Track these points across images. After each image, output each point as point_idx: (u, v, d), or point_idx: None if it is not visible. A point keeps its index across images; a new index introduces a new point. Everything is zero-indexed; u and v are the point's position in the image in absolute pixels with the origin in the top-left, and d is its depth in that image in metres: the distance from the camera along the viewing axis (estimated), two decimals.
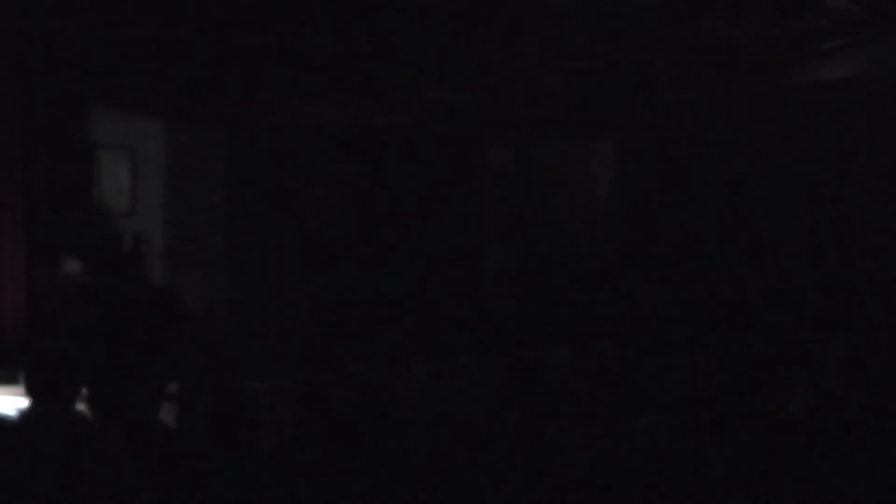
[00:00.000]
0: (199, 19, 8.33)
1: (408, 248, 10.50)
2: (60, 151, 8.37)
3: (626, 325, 7.93)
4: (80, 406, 3.82)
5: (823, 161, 8.18)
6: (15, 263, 7.41)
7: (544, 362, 4.16)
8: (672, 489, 3.05)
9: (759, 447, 3.34)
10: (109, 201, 9.67)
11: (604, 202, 10.26)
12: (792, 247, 8.24)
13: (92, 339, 7.20)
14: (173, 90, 9.63)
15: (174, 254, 9.78)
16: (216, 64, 9.07)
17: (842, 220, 7.99)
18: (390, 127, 10.83)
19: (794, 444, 3.41)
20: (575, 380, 4.00)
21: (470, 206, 11.00)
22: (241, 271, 10.01)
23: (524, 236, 11.20)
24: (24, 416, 3.81)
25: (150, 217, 10.05)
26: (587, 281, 9.50)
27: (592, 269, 9.80)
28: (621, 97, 9.50)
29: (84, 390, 3.78)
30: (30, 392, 3.86)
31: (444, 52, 9.20)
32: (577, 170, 10.87)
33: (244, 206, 10.39)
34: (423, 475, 3.24)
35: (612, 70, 9.51)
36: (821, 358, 4.52)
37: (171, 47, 8.62)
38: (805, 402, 4.00)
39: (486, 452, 3.42)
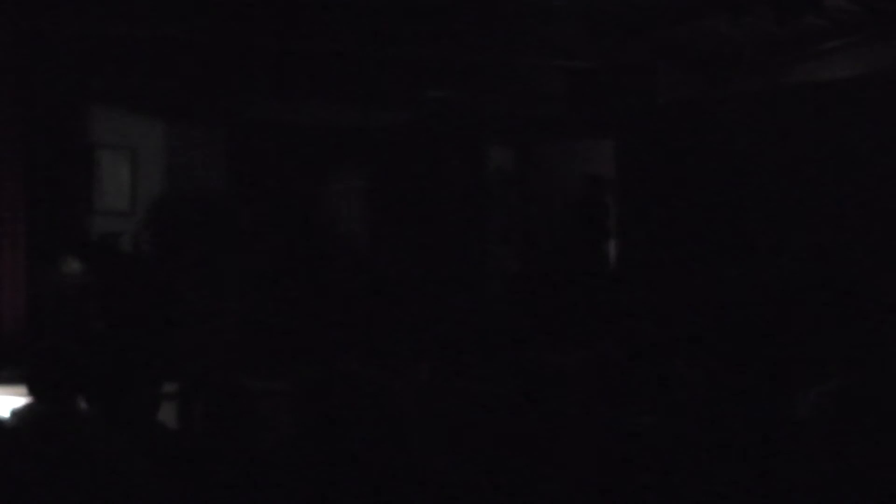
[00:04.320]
0: (199, 19, 8.34)
1: (407, 248, 10.49)
2: (60, 151, 8.36)
3: (627, 325, 7.92)
4: (81, 406, 3.82)
5: (823, 161, 8.18)
6: (15, 263, 7.42)
7: (545, 363, 4.16)
8: (673, 490, 3.06)
9: (762, 448, 3.34)
10: (109, 201, 9.66)
11: (604, 202, 10.26)
12: (792, 247, 8.24)
13: (92, 339, 7.20)
14: (173, 90, 9.63)
15: (174, 254, 9.77)
16: (216, 64, 9.07)
17: (842, 220, 7.99)
18: (390, 127, 10.83)
19: (797, 445, 3.41)
20: (576, 380, 4.00)
21: (470, 206, 11.00)
22: (240, 271, 10.01)
23: (524, 236, 11.20)
24: (25, 415, 3.81)
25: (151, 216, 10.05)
26: (587, 281, 9.50)
27: (592, 269, 9.80)
28: (621, 97, 9.51)
29: (84, 390, 3.78)
30: (31, 392, 3.86)
31: (444, 52, 9.20)
32: (577, 170, 10.86)
33: (244, 206, 10.39)
34: (424, 475, 3.24)
35: (612, 70, 9.51)
36: (823, 358, 4.52)
37: (171, 47, 8.63)
38: (809, 402, 3.99)
39: (487, 453, 3.42)
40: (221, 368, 7.82)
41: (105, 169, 9.65)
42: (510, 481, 3.31)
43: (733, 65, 9.34)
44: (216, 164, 10.61)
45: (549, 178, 11.22)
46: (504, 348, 6.03)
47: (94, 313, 7.63)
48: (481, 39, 9.09)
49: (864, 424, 3.70)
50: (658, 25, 8.92)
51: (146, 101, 9.82)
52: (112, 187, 9.74)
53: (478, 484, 3.30)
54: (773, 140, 8.57)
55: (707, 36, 8.99)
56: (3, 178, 7.44)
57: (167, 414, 3.90)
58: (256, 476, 3.22)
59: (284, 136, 10.62)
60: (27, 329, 7.38)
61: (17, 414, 3.84)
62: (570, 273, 9.70)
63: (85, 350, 3.95)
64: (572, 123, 10.33)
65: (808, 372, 4.37)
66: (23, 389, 4.02)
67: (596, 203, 9.95)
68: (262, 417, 3.54)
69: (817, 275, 7.83)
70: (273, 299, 9.50)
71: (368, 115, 10.56)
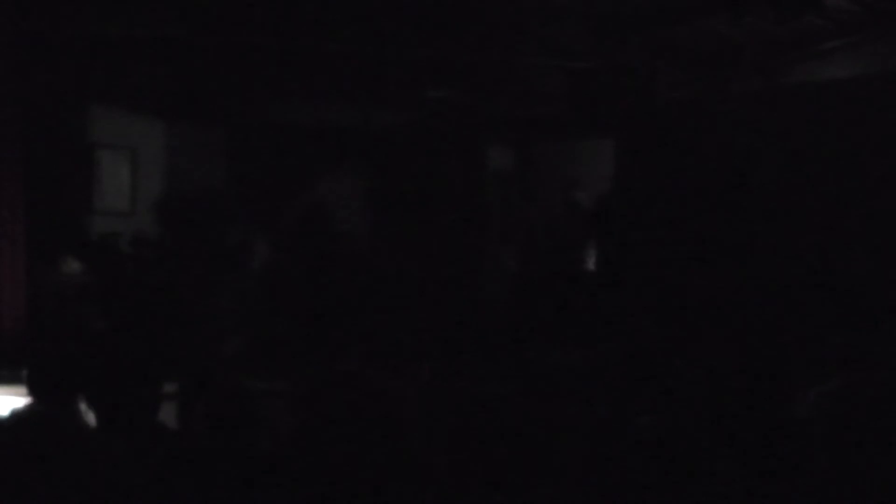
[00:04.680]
0: (199, 19, 8.34)
1: (407, 248, 10.49)
2: (60, 151, 8.37)
3: (627, 325, 7.93)
4: (81, 406, 3.83)
5: (823, 161, 8.18)
6: (15, 263, 7.41)
7: (545, 362, 4.16)
8: (673, 490, 3.05)
9: (762, 448, 3.34)
10: (109, 201, 9.66)
11: (603, 202, 10.26)
12: (792, 246, 8.24)
13: (92, 338, 7.20)
14: (173, 90, 9.63)
15: (174, 254, 9.78)
16: (216, 64, 9.07)
17: (842, 220, 7.99)
18: (390, 127, 10.83)
19: (797, 445, 3.41)
20: (576, 380, 4.00)
21: (470, 206, 11.00)
22: (240, 271, 10.01)
23: (524, 236, 11.19)
24: (24, 415, 3.81)
25: (150, 217, 10.05)
26: (587, 281, 9.50)
27: (592, 269, 9.80)
28: (621, 97, 9.51)
29: (84, 390, 3.78)
30: (31, 392, 3.87)
31: (444, 52, 9.20)
32: (577, 170, 10.86)
33: (244, 207, 10.39)
34: (424, 475, 3.24)
35: (612, 70, 9.51)
36: (823, 358, 4.52)
37: (171, 47, 8.63)
38: (809, 402, 4.00)
39: (488, 453, 3.42)
40: (222, 369, 7.82)
41: (105, 169, 9.66)
42: (510, 481, 3.31)
43: (733, 65, 9.34)
44: (216, 164, 10.62)
45: (549, 178, 11.22)
46: (504, 348, 6.04)
47: (94, 313, 7.63)
48: (481, 39, 9.09)
49: (864, 424, 3.70)
50: (658, 25, 8.91)
51: (146, 101, 9.83)
52: (112, 187, 9.74)
53: (478, 484, 3.30)
54: (772, 140, 8.57)
55: (707, 36, 8.99)
56: (2, 178, 7.43)
57: (167, 414, 3.90)
58: (256, 476, 3.22)
59: (284, 136, 10.62)
60: (27, 329, 7.37)
61: (16, 414, 3.85)
62: (570, 273, 9.71)
63: (85, 350, 3.96)
64: (572, 123, 10.33)
65: (808, 372, 4.37)
66: (23, 389, 4.02)
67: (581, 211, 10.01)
68: (262, 418, 3.55)
69: (817, 275, 7.83)
70: (273, 300, 9.51)
71: (368, 115, 10.56)
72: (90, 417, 3.68)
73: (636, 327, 7.72)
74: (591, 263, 9.90)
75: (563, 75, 9.77)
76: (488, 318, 9.24)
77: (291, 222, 10.40)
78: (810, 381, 4.22)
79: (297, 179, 10.85)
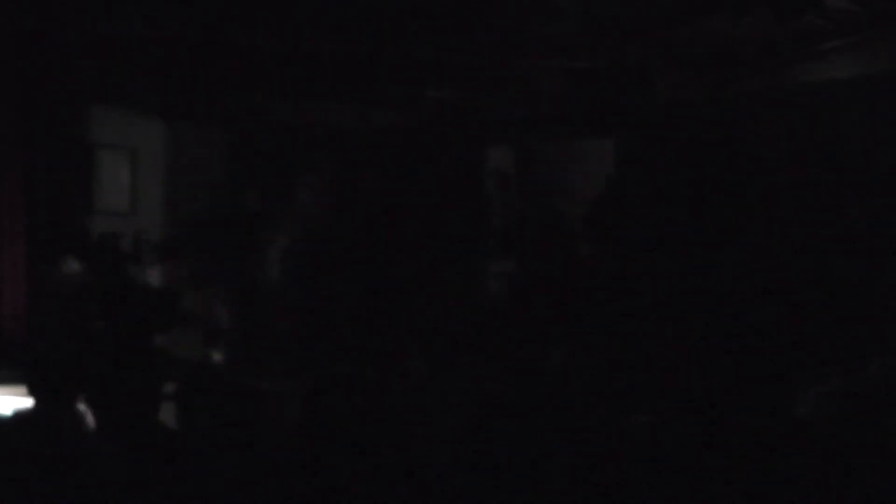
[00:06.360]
0: (199, 19, 8.34)
1: (407, 248, 10.49)
2: (60, 151, 8.36)
3: (626, 325, 7.93)
4: (80, 407, 3.83)
5: (822, 161, 8.18)
6: (15, 263, 7.42)
7: (544, 362, 4.16)
8: (670, 489, 3.06)
9: (760, 448, 3.34)
10: (109, 201, 9.65)
11: (603, 202, 10.25)
12: (792, 247, 8.25)
13: (92, 339, 7.20)
14: (173, 90, 9.63)
15: (174, 254, 9.78)
16: (216, 64, 9.07)
17: (842, 221, 7.99)
18: (390, 127, 10.83)
19: (796, 445, 3.41)
20: (574, 380, 4.00)
21: (470, 206, 11.00)
22: (240, 271, 10.01)
23: (524, 236, 11.19)
24: (24, 416, 3.82)
25: (150, 217, 10.04)
26: (587, 281, 9.49)
27: (592, 269, 9.79)
28: (621, 97, 9.51)
29: (84, 391, 3.78)
30: (31, 392, 3.87)
31: (444, 52, 9.20)
32: (577, 170, 10.85)
33: (244, 207, 10.38)
34: (423, 475, 3.24)
35: (612, 70, 9.51)
36: (823, 359, 4.52)
37: (171, 47, 8.63)
38: (809, 402, 4.00)
39: (486, 453, 3.42)
40: (223, 369, 7.82)
41: (105, 169, 9.65)
42: (509, 481, 3.31)
43: (733, 65, 9.34)
44: (216, 164, 10.61)
45: (549, 178, 11.21)
46: (503, 348, 6.04)
47: (94, 313, 7.64)
48: (481, 39, 9.09)
49: (864, 424, 3.70)
50: (658, 25, 8.91)
51: (146, 101, 9.82)
52: (112, 187, 9.74)
53: (477, 483, 3.30)
54: (772, 140, 8.57)
55: (707, 36, 8.99)
56: (3, 178, 7.44)
57: (167, 414, 3.90)
58: (257, 476, 3.22)
59: (284, 136, 10.62)
60: (27, 329, 7.38)
61: (16, 414, 3.85)
62: (569, 273, 9.70)
63: (85, 350, 3.96)
64: (572, 123, 10.33)
65: (808, 372, 4.37)
66: (23, 389, 4.02)
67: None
68: (262, 417, 3.55)
69: (818, 274, 7.83)
70: (274, 300, 9.51)
71: (368, 116, 10.56)
72: (90, 417, 3.68)
73: (635, 327, 7.72)
74: (589, 263, 9.90)
75: (563, 75, 9.77)
76: (487, 318, 9.24)
77: (290, 222, 10.39)
78: (810, 381, 4.22)
79: (296, 180, 10.84)
